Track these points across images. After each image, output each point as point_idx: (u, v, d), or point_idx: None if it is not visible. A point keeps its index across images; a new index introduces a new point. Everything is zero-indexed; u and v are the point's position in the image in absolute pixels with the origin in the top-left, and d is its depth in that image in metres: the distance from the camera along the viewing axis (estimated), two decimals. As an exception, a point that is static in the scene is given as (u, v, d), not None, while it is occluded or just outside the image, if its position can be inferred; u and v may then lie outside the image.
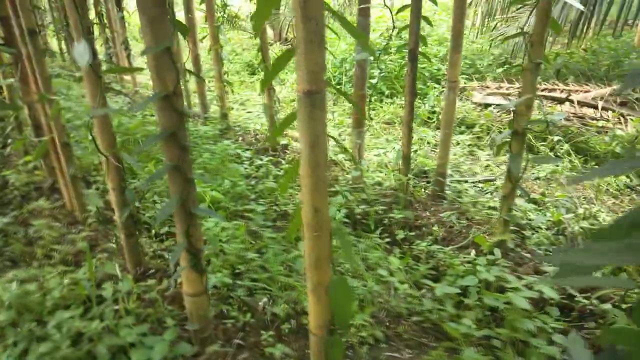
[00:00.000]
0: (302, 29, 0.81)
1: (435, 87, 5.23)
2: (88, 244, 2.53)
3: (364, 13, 2.73)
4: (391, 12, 2.55)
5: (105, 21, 6.03)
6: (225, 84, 4.29)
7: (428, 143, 4.34)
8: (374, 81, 5.27)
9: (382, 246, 2.58)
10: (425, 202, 3.02)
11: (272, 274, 2.30)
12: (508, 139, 2.28)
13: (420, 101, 5.01)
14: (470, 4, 6.33)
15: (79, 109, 4.58)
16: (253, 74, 7.28)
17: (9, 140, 3.84)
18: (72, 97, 4.76)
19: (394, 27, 2.82)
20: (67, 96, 4.64)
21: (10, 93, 3.23)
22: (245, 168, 3.44)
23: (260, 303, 2.21)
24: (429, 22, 2.55)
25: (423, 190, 3.30)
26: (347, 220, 2.75)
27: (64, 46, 7.15)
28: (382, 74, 5.37)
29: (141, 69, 1.49)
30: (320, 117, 0.90)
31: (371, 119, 2.82)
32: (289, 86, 6.44)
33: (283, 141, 4.16)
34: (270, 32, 10.64)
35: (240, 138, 4.38)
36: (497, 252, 2.30)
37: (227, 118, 4.52)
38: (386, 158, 3.90)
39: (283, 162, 3.74)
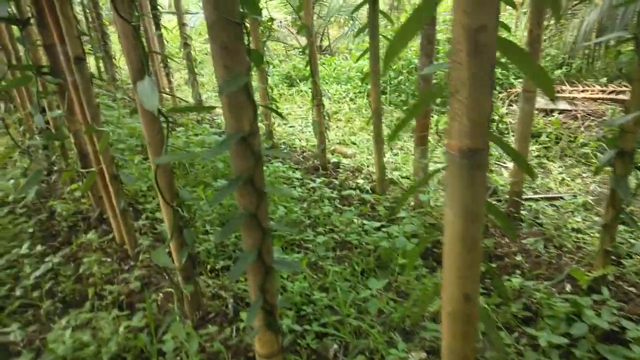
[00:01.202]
0: (470, 65, 0.59)
1: (496, 95, 4.91)
2: (141, 284, 2.38)
3: (431, 21, 2.49)
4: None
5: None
6: (270, 101, 4.12)
7: (490, 155, 4.03)
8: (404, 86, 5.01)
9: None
10: (501, 227, 2.73)
11: (342, 316, 2.08)
12: (610, 158, 1.99)
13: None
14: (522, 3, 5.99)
15: (121, 130, 4.53)
16: (291, 85, 7.12)
17: (55, 168, 3.79)
18: (113, 119, 4.72)
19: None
20: (109, 121, 4.59)
21: (56, 121, 3.16)
22: (298, 191, 3.24)
23: (330, 350, 1.99)
24: (507, 28, 2.28)
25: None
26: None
27: (100, 64, 7.20)
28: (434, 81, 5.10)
29: (212, 108, 1.30)
30: (482, 181, 0.67)
31: (439, 135, 2.58)
32: (330, 97, 6.26)
33: (333, 159, 3.96)
34: (304, 40, 10.52)
35: (287, 156, 4.19)
36: (605, 291, 2.00)
37: (273, 136, 4.35)
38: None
39: (336, 181, 3.53)
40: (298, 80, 7.01)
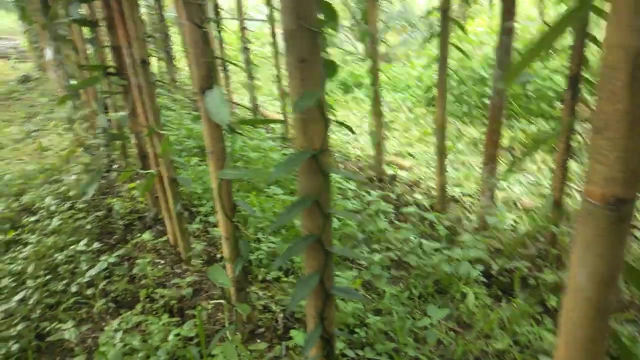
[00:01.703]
0: (630, 97, 0.47)
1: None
2: (193, 289, 2.36)
3: (508, 31, 2.32)
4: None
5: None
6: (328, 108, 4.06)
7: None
8: (488, 101, 4.77)
9: (530, 315, 2.13)
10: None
11: (397, 344, 1.95)
12: None
13: (545, 124, 4.42)
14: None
15: (179, 132, 4.61)
16: (347, 92, 7.04)
17: (114, 166, 3.91)
18: (172, 119, 4.82)
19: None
20: (169, 122, 4.68)
21: (119, 121, 3.24)
22: (352, 203, 3.14)
23: (384, 380, 1.87)
24: (598, 44, 2.08)
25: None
26: (483, 279, 2.33)
27: (162, 65, 7.43)
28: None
29: (280, 121, 1.24)
30: (625, 237, 0.54)
31: (512, 153, 2.40)
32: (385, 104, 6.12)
33: (390, 170, 3.83)
34: (360, 46, 10.42)
35: (342, 166, 4.11)
36: None
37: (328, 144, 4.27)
38: (513, 193, 3.41)
39: (392, 195, 3.40)
40: (354, 87, 6.92)
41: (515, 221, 2.97)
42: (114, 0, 2.30)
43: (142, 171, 2.85)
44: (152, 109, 2.29)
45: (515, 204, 3.19)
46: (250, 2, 10.48)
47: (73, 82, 4.83)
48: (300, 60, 1.01)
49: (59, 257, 2.61)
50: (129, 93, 2.74)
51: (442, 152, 2.97)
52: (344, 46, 10.34)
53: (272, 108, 6.35)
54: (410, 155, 4.44)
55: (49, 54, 5.74)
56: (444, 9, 2.61)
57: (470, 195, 3.47)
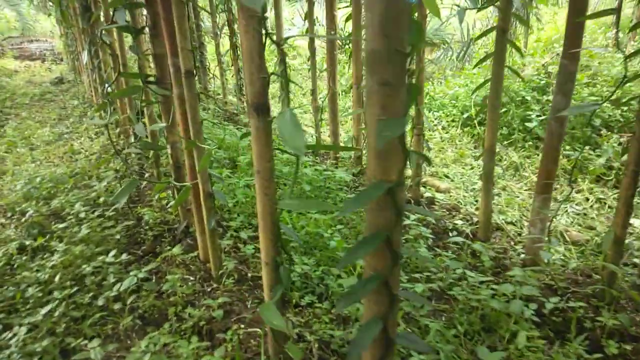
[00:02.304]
0: None
1: (609, 136, 4.40)
2: (223, 311, 2.26)
3: (572, 57, 2.18)
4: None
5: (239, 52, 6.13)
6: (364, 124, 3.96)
7: (610, 208, 3.55)
8: (530, 125, 4.59)
9: (588, 363, 1.96)
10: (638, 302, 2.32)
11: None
12: None
13: (590, 152, 4.23)
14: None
15: (210, 142, 4.56)
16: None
17: (146, 175, 3.87)
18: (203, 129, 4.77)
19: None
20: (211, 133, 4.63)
21: (153, 131, 3.19)
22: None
23: None
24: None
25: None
26: (535, 318, 2.17)
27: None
28: (540, 116, 4.67)
29: (354, 149, 1.13)
30: None
31: (572, 183, 2.23)
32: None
33: (427, 193, 3.68)
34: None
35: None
36: None
37: (362, 161, 4.16)
38: (559, 224, 3.22)
39: (431, 219, 3.25)
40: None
41: (565, 255, 2.79)
42: (162, 9, 2.25)
43: (176, 183, 2.78)
44: (194, 122, 2.22)
45: (562, 235, 3.01)
46: (285, 14, 10.52)
47: (108, 87, 4.86)
48: (383, 83, 0.91)
49: (87, 268, 2.55)
50: (168, 103, 2.69)
51: (489, 177, 2.82)
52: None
53: (303, 121, 6.29)
54: (446, 176, 4.29)
55: (84, 57, 5.81)
56: (503, 28, 2.48)
57: (513, 224, 3.30)
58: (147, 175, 3.87)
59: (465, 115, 5.43)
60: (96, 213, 3.19)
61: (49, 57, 15.78)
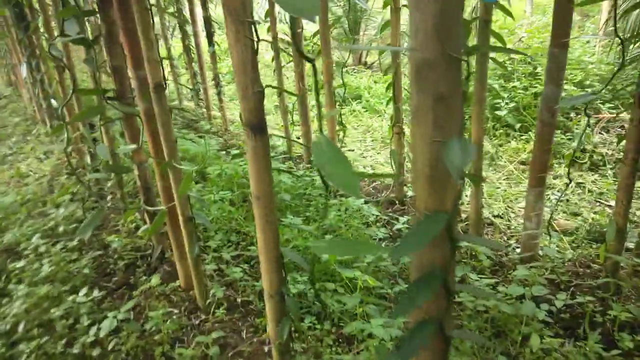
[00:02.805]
0: None
1: (579, 119, 4.47)
2: (218, 346, 2.06)
3: (561, 45, 2.12)
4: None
5: (193, 54, 5.84)
6: (341, 126, 3.82)
7: (590, 192, 3.59)
8: (501, 113, 4.60)
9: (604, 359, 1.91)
10: (641, 289, 2.31)
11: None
12: None
13: (562, 136, 4.27)
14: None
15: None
16: (342, 103, 6.82)
17: (108, 197, 3.56)
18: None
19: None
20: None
21: (112, 151, 2.90)
22: (382, 232, 2.89)
23: None
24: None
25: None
26: (548, 318, 2.10)
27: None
28: (509, 104, 4.69)
29: (391, 176, 0.98)
30: None
31: (569, 178, 2.19)
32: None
33: (410, 192, 3.59)
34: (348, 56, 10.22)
35: (355, 186, 3.85)
36: None
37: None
38: (545, 214, 3.21)
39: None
40: (350, 99, 6.71)
41: (558, 247, 2.76)
42: (120, 18, 2.01)
43: (148, 207, 2.54)
44: (167, 140, 2.00)
45: (549, 225, 2.99)
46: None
47: (54, 103, 4.47)
48: (438, 98, 0.76)
49: (55, 312, 2.27)
50: (132, 120, 2.45)
51: (478, 172, 2.75)
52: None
53: (269, 124, 6.06)
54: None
55: (23, 70, 5.34)
56: (485, 19, 2.40)
57: (500, 217, 3.26)
58: (109, 197, 3.57)
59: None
60: (58, 246, 2.88)
61: (-21, 71, 14.65)
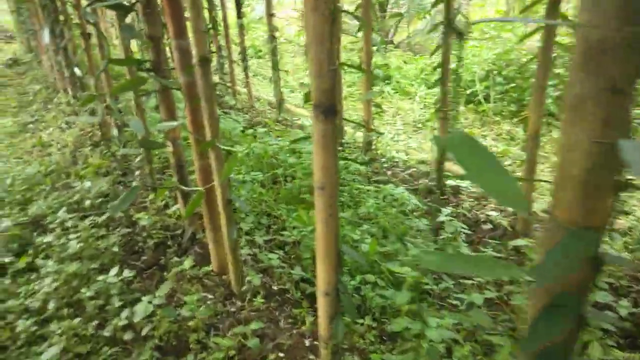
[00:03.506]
0: None
1: None
2: (256, 337, 1.96)
3: None
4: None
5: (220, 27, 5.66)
6: (378, 108, 3.66)
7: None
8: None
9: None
10: None
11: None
12: None
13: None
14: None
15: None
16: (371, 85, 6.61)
17: (137, 173, 3.47)
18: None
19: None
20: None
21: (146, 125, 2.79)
22: (423, 223, 2.75)
23: None
24: None
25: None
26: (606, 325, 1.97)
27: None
28: (553, 91, 4.46)
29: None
30: None
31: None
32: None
33: (449, 180, 3.44)
34: (375, 36, 9.91)
35: (389, 172, 3.71)
36: None
37: (372, 147, 3.88)
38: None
39: (463, 211, 3.01)
40: (380, 80, 6.50)
41: (612, 248, 2.61)
42: (163, -20, 1.86)
43: (183, 187, 2.42)
44: (210, 117, 1.86)
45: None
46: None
47: (79, 72, 4.36)
48: (613, 89, 0.61)
49: (86, 292, 2.19)
50: (168, 93, 2.32)
51: (532, 165, 2.59)
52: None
53: (293, 102, 5.91)
54: (461, 160, 4.05)
55: (45, 36, 5.22)
56: (554, 1, 2.20)
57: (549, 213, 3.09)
58: (137, 173, 3.47)
59: (468, 92, 5.18)
60: (86, 222, 2.80)
61: (-1, 35, 14.62)
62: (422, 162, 3.92)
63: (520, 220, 2.78)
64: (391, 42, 10.48)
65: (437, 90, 5.79)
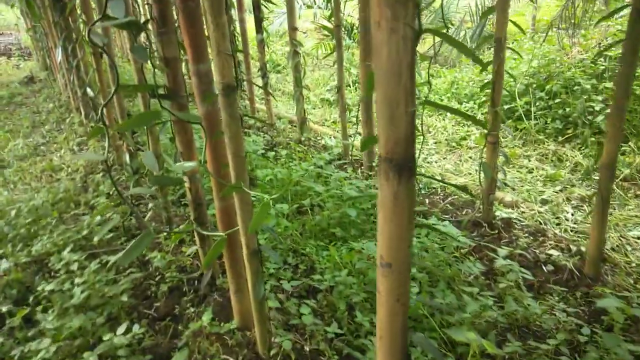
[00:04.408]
0: None
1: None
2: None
3: None
4: None
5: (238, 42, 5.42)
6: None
7: None
8: (595, 118, 4.01)
9: None
10: None
11: None
12: None
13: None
14: None
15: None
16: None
17: (150, 205, 3.19)
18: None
19: None
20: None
21: (163, 160, 2.52)
22: (477, 267, 2.40)
23: None
24: None
25: None
26: None
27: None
28: (604, 108, 4.08)
29: None
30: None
31: None
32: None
33: (499, 211, 3.07)
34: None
35: (426, 200, 3.37)
36: None
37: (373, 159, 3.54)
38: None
39: (522, 252, 2.65)
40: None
41: None
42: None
43: (202, 231, 2.13)
44: (235, 156, 1.56)
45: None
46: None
47: (90, 91, 4.14)
48: None
49: (89, 357, 1.89)
50: (185, 122, 2.03)
51: (606, 200, 2.23)
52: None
53: (314, 119, 5.62)
54: (505, 184, 3.69)
55: (58, 54, 5.03)
56: (638, 8, 1.86)
57: (613, 249, 2.72)
58: (150, 205, 3.19)
59: (507, 107, 4.83)
60: (93, 264, 2.51)
61: (16, 52, 14.75)
62: (463, 187, 3.56)
63: (588, 262, 2.41)
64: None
65: (471, 105, 5.46)
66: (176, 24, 1.97)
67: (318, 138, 4.84)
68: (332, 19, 3.72)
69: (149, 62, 1.79)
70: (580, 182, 3.62)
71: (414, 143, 0.88)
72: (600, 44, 4.82)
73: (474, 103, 5.45)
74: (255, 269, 1.79)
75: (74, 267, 2.54)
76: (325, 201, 3.15)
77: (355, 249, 2.59)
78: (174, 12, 1.95)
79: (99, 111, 1.73)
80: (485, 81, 5.71)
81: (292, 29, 4.22)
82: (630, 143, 3.88)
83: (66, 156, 4.92)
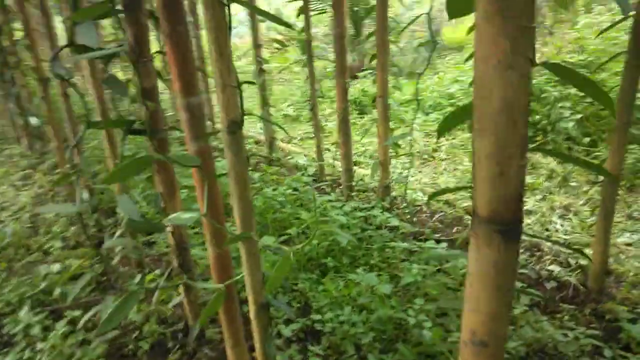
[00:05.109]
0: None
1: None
2: None
3: None
4: None
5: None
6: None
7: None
8: (565, 125, 4.06)
9: None
10: None
11: None
12: None
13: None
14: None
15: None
16: (362, 113, 6.21)
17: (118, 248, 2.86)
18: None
19: None
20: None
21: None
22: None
23: None
24: None
25: None
26: None
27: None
28: (574, 114, 4.13)
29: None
30: None
31: None
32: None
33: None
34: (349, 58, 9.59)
35: (414, 219, 3.26)
36: None
37: (390, 191, 3.43)
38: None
39: (521, 270, 2.56)
40: (370, 107, 6.12)
41: None
42: (165, 18, 1.35)
43: (193, 283, 1.88)
44: (242, 203, 1.35)
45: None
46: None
47: (35, 121, 3.76)
48: None
49: None
50: (166, 163, 1.79)
51: (610, 213, 2.19)
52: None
53: (279, 136, 5.41)
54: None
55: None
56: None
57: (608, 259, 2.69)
58: (118, 249, 2.86)
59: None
60: (59, 325, 2.18)
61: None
62: (447, 203, 3.49)
63: (592, 277, 2.37)
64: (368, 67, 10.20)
65: (435, 115, 5.45)
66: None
67: (288, 157, 4.64)
68: (303, 33, 3.56)
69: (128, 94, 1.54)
70: (558, 189, 3.64)
71: (522, 202, 0.73)
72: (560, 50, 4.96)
73: (438, 114, 5.45)
74: (263, 324, 1.58)
75: (36, 330, 2.20)
76: (310, 228, 2.95)
77: (353, 281, 2.42)
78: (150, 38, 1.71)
79: (69, 151, 1.46)
80: (449, 91, 5.77)
81: (257, 46, 4.02)
82: (601, 149, 3.96)
83: (8, 193, 4.42)
